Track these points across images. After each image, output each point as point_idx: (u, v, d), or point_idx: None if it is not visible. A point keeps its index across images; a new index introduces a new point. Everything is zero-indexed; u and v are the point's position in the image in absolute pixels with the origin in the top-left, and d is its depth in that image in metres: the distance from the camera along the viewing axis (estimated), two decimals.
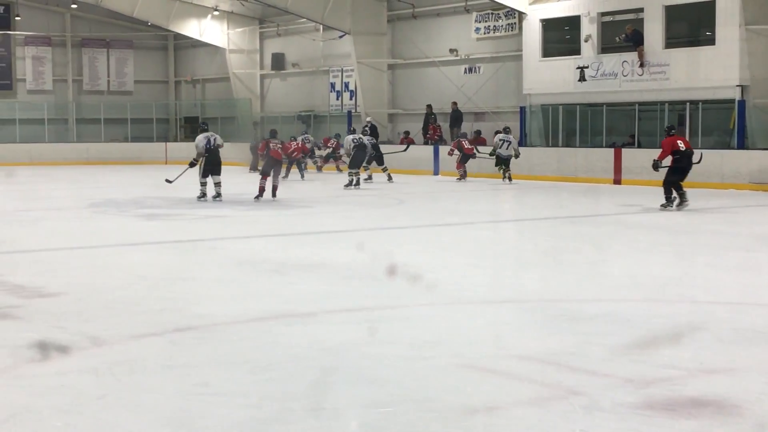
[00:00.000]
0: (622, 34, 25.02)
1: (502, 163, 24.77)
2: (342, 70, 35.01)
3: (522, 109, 27.85)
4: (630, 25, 24.96)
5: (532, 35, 27.35)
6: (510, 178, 24.67)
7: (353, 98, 34.45)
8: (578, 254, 12.11)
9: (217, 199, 19.58)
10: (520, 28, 28.05)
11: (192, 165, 20.31)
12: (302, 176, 27.37)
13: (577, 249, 12.56)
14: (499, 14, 29.26)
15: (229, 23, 39.11)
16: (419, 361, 6.44)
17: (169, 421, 5.17)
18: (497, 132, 26.30)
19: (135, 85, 42.75)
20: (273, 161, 20.07)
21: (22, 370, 6.26)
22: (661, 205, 17.44)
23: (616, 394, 5.56)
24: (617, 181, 24.22)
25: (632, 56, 24.87)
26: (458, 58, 30.64)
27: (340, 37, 33.52)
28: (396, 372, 6.14)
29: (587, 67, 26.01)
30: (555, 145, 27.10)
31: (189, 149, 32.35)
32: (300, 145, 26.87)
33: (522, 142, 27.48)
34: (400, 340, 7.02)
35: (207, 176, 19.73)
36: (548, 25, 27.17)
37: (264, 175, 19.94)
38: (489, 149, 25.57)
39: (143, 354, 6.66)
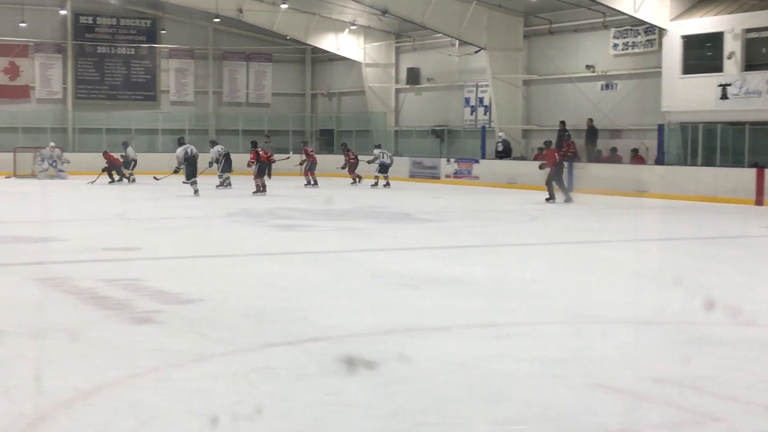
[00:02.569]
0: None
1: (385, 170, 29.76)
2: (477, 86, 34.95)
3: (660, 127, 27.29)
4: None
5: (673, 52, 26.80)
6: (388, 183, 29.72)
7: (487, 113, 34.36)
8: (720, 276, 11.77)
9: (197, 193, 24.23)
10: (660, 44, 27.52)
11: (176, 171, 25.51)
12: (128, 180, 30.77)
13: (720, 271, 12.22)
14: (638, 30, 28.77)
15: (365, 37, 39.50)
16: (551, 379, 6.36)
17: (303, 430, 5.24)
18: (376, 146, 31.30)
19: (272, 98, 43.54)
20: (261, 163, 25.49)
21: (162, 374, 6.43)
22: (547, 200, 23.49)
23: (757, 422, 5.39)
24: (759, 202, 23.48)
25: None
26: (595, 74, 30.24)
27: (476, 52, 33.47)
28: (527, 389, 6.09)
29: (730, 85, 25.33)
30: (694, 164, 26.46)
31: (325, 162, 33.12)
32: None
33: (660, 160, 26.95)
34: (532, 358, 6.96)
35: (191, 178, 24.47)
36: (689, 41, 26.58)
37: (259, 176, 25.55)
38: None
39: (278, 362, 6.77)
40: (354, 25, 38.78)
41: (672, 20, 26.76)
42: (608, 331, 8.19)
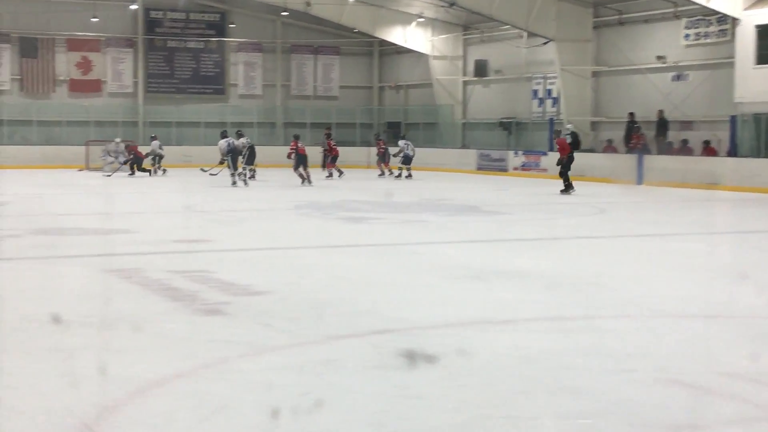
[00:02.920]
0: None
1: (408, 161, 30.43)
2: (545, 77, 34.68)
3: (732, 118, 26.83)
4: None
5: (746, 42, 26.31)
6: (410, 175, 30.29)
7: (555, 105, 34.08)
8: None
9: (247, 183, 25.68)
10: (733, 34, 27.05)
11: (222, 163, 26.53)
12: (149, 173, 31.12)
13: None
14: (710, 20, 28.30)
15: (433, 30, 39.41)
16: (620, 373, 6.29)
17: (369, 422, 5.24)
18: (401, 137, 32.41)
19: (340, 91, 43.66)
20: (301, 157, 26.53)
21: (230, 365, 6.48)
22: (562, 192, 23.18)
23: None
24: None
25: None
26: (666, 65, 29.83)
27: (544, 43, 33.20)
28: (596, 384, 6.02)
29: None
30: (767, 156, 25.97)
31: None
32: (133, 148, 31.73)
33: (732, 152, 26.51)
34: (600, 352, 6.88)
35: (236, 168, 25.63)
36: (764, 31, 26.04)
37: (297, 168, 26.42)
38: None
39: (344, 354, 6.79)
40: (421, 17, 38.70)
41: (745, 10, 26.28)
42: (678, 325, 8.07)
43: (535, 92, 35.38)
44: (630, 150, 29.46)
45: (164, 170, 31.39)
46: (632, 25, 31.25)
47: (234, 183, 25.42)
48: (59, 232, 14.62)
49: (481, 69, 37.91)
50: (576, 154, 30.70)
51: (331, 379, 6.09)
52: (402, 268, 11.22)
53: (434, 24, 39.14)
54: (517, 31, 34.75)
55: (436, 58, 39.50)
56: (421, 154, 36.63)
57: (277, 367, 6.42)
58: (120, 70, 40.36)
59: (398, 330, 7.61)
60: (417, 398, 5.66)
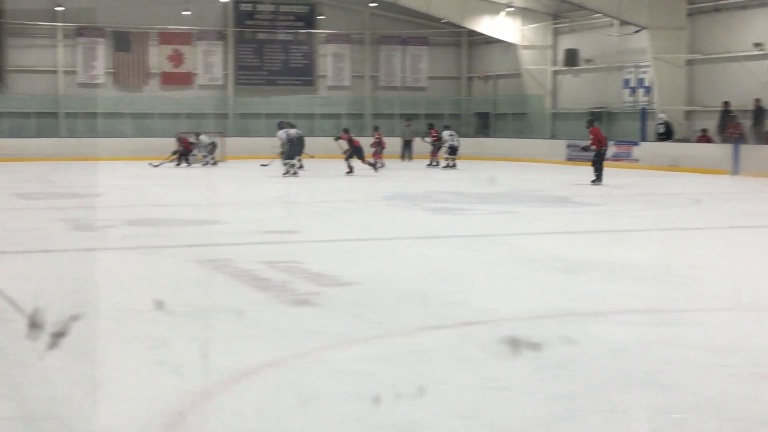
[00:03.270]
0: None
1: (454, 152, 30.88)
2: (637, 66, 34.15)
3: None
4: None
5: None
6: (455, 165, 30.72)
7: (647, 95, 33.53)
8: None
9: (297, 174, 26.05)
10: None
11: (281, 153, 26.96)
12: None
13: None
14: None
15: (522, 19, 39.08)
16: (715, 368, 6.17)
17: (458, 414, 5.23)
18: (445, 127, 32.51)
19: (428, 81, 43.57)
20: (355, 148, 27.18)
21: (319, 355, 6.52)
22: (593, 182, 22.92)
23: None
24: None
25: None
26: (763, 52, 29.11)
27: (636, 31, 32.69)
28: (689, 378, 5.92)
29: None
30: None
31: (481, 144, 33.17)
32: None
33: None
34: (694, 345, 6.76)
35: (291, 158, 26.39)
36: None
37: (350, 157, 27.01)
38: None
39: (434, 345, 6.78)
40: (510, 7, 38.41)
41: None
42: None
43: (627, 81, 34.85)
44: (726, 139, 28.85)
45: (214, 161, 31.97)
46: (728, 11, 30.57)
47: (292, 173, 26.05)
48: (153, 222, 14.89)
49: (571, 58, 37.50)
50: (670, 144, 30.39)
51: (421, 369, 6.08)
52: (492, 260, 11.17)
53: (523, 13, 38.82)
54: (608, 19, 34.29)
55: (525, 47, 39.15)
56: (509, 144, 36.50)
57: (367, 357, 6.44)
58: (210, 63, 40.90)
59: (488, 321, 7.58)
60: (506, 390, 5.63)
